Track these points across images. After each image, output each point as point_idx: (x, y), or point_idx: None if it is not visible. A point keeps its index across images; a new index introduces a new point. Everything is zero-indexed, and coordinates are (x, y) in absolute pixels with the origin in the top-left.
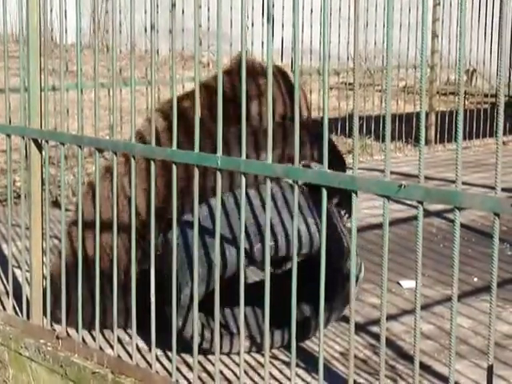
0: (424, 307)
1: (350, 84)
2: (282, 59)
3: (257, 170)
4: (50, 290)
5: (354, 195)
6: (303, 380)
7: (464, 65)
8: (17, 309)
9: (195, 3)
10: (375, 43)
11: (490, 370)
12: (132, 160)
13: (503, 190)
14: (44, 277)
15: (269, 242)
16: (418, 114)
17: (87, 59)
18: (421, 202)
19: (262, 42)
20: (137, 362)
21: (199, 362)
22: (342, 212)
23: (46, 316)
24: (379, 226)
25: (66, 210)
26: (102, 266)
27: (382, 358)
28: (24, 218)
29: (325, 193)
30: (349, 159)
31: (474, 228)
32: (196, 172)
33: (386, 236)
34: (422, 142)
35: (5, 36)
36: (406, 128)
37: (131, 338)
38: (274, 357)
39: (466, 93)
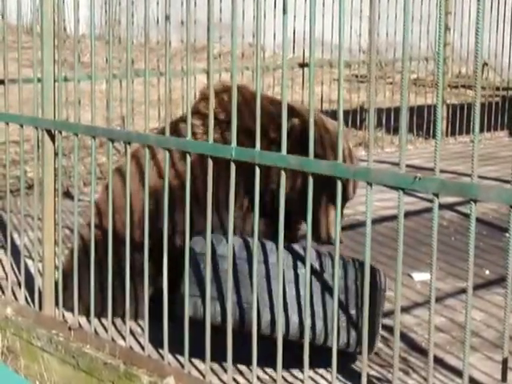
0: (436, 300)
1: (361, 76)
2: (294, 51)
3: (271, 161)
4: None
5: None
6: (316, 372)
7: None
8: (29, 299)
9: None
10: (387, 35)
11: (504, 362)
12: (146, 150)
13: None
14: (56, 267)
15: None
16: (429, 107)
17: (98, 50)
18: (436, 195)
19: (274, 34)
20: (149, 354)
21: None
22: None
23: (58, 307)
24: (390, 218)
25: (79, 200)
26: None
27: (395, 350)
28: (36, 209)
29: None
30: (360, 151)
31: (486, 221)
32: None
33: (400, 228)
34: (439, 134)
35: (18, 27)
36: (417, 121)
37: (143, 329)
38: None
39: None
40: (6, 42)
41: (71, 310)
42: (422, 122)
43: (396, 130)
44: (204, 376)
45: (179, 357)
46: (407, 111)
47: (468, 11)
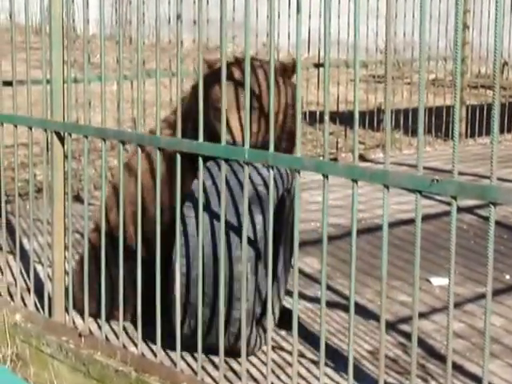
0: (455, 305)
1: (378, 76)
2: (308, 50)
3: (285, 163)
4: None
5: (385, 190)
6: (331, 379)
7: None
8: (38, 305)
9: None
10: (404, 35)
11: None
12: (158, 152)
13: None
14: (66, 272)
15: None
16: (448, 108)
17: (108, 51)
18: (454, 198)
19: (289, 33)
20: (161, 360)
21: (225, 361)
22: None
23: (68, 313)
24: (408, 221)
25: (89, 204)
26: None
27: (413, 357)
28: (46, 212)
29: None
30: (378, 153)
31: (506, 224)
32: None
33: (418, 232)
34: (456, 136)
35: (26, 27)
36: (436, 122)
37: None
38: (302, 355)
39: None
40: (15, 42)
41: (81, 313)
42: (440, 123)
43: (414, 132)
44: (218, 383)
45: (192, 363)
46: (426, 112)
47: (487, 9)
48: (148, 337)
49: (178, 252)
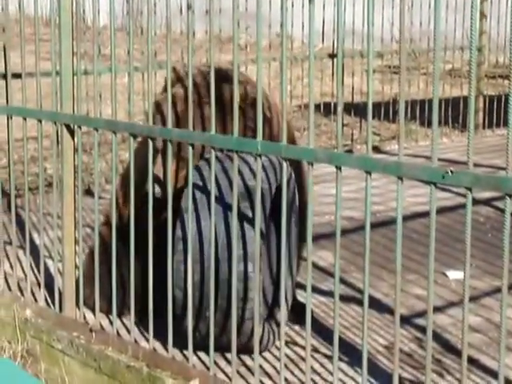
0: (472, 299)
1: (393, 67)
2: (322, 41)
3: (298, 155)
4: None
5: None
6: (346, 374)
7: None
8: (49, 301)
9: None
10: (420, 24)
11: None
12: (169, 145)
13: None
14: (77, 267)
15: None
16: (465, 98)
17: (119, 42)
18: (469, 189)
19: (302, 24)
20: (173, 356)
21: (238, 356)
22: None
23: (79, 308)
24: (424, 214)
25: (100, 198)
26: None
27: (428, 351)
28: (56, 207)
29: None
30: (393, 145)
31: None
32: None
33: (432, 224)
34: (472, 126)
35: (36, 18)
36: (453, 113)
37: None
38: (316, 350)
39: None
40: (24, 34)
41: (91, 308)
42: (457, 114)
43: (430, 123)
44: (230, 379)
45: (203, 356)
46: (442, 103)
47: None
48: (159, 332)
49: (190, 252)
